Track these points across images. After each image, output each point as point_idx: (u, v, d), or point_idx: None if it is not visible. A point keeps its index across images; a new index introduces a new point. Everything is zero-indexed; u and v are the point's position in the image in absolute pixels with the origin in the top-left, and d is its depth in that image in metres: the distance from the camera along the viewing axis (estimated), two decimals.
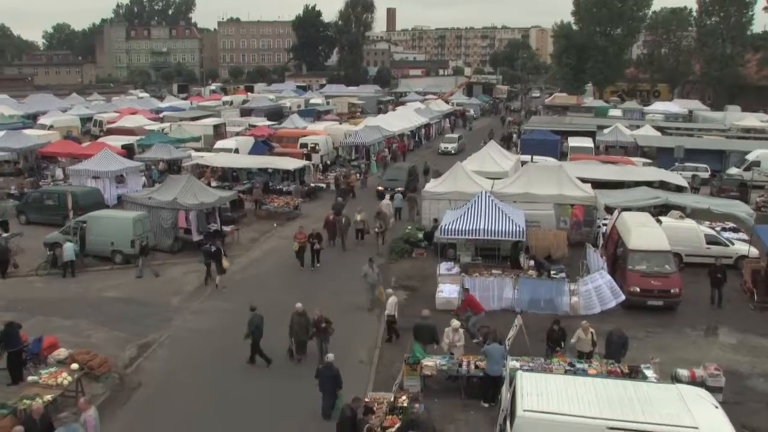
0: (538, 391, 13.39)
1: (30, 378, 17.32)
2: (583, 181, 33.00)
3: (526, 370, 15.55)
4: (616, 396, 13.28)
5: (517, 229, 25.98)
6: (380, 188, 41.02)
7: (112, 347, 20.72)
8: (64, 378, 17.13)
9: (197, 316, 23.68)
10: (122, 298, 24.92)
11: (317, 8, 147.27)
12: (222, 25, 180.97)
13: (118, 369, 19.51)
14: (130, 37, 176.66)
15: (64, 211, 31.01)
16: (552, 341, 19.21)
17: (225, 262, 26.76)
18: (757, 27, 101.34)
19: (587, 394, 13.34)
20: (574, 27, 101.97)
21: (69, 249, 27.03)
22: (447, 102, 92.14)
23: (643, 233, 25.55)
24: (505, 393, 15.45)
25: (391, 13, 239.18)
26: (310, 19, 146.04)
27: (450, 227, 26.47)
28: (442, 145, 60.45)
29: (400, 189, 39.66)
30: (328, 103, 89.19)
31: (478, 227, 26.20)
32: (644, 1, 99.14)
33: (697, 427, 12.39)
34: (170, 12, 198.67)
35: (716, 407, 13.42)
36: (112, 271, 28.10)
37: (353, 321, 23.02)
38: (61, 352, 18.97)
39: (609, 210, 31.29)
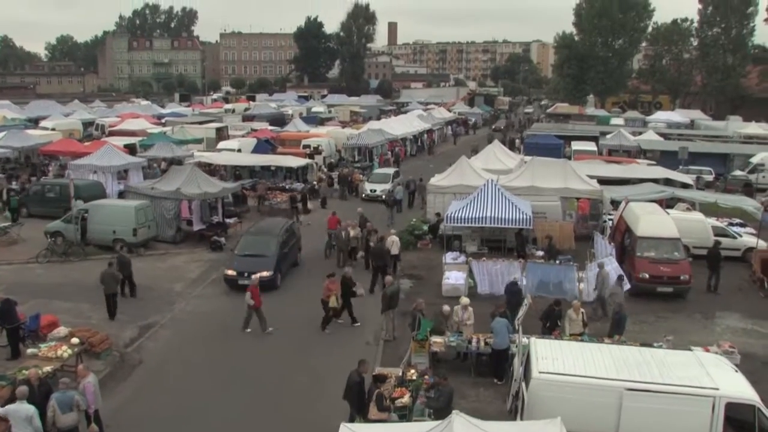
0: (553, 355, 13.08)
1: (29, 351, 16.97)
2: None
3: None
4: (633, 360, 12.96)
5: (524, 217, 25.73)
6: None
7: (113, 328, 20.33)
8: (64, 351, 16.80)
9: (200, 300, 23.41)
10: None
11: (319, 20, 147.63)
12: (224, 36, 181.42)
13: (119, 348, 19.16)
14: (132, 48, 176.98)
15: (66, 204, 30.65)
16: (551, 321, 18.87)
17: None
18: (758, 38, 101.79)
19: (603, 358, 13.02)
20: (576, 38, 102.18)
21: None
22: (449, 111, 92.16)
23: (652, 221, 25.27)
24: (517, 365, 15.08)
25: (392, 28, 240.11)
26: (312, 30, 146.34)
27: (456, 215, 26.20)
28: (368, 187, 41.71)
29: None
30: (330, 112, 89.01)
31: (484, 215, 25.95)
32: (646, 12, 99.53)
33: (717, 388, 12.06)
34: (172, 25, 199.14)
35: (735, 371, 13.09)
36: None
37: (356, 305, 22.66)
38: (61, 330, 18.55)
39: (614, 204, 31.15)
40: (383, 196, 37.93)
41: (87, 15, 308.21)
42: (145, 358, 18.91)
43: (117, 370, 17.96)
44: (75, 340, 17.45)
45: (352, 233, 28.07)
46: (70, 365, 16.73)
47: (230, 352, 19.33)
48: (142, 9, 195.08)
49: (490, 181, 27.70)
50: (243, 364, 18.50)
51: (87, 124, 65.80)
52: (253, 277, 21.57)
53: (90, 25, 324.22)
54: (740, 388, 12.38)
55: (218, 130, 58.43)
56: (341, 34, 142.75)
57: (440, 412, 12.17)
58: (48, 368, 15.93)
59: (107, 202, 29.81)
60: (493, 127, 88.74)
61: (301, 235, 28.72)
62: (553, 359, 12.85)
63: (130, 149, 44.95)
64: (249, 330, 20.68)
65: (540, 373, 12.42)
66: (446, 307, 19.08)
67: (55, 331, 18.53)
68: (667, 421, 11.87)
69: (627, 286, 21.49)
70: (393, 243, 26.35)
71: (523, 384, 12.92)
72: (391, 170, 44.66)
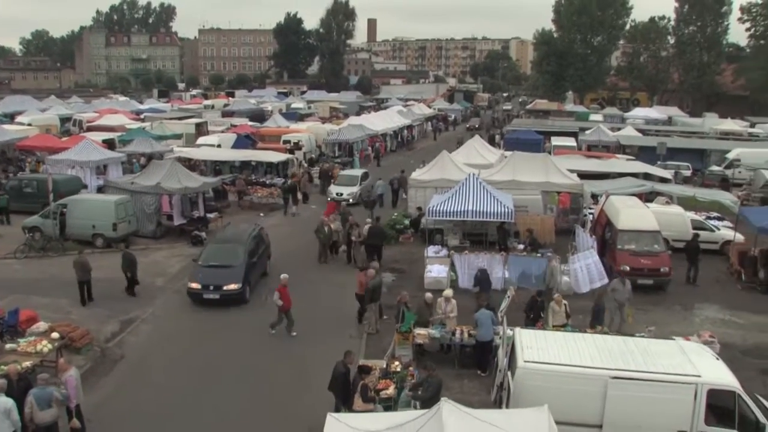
0: (538, 345, 13.14)
1: (8, 346, 16.70)
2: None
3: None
4: (616, 349, 13.07)
5: (506, 210, 25.80)
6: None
7: (94, 323, 20.09)
8: (44, 346, 16.56)
9: (181, 295, 23.09)
10: (104, 279, 24.09)
11: (299, 16, 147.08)
12: (203, 32, 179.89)
13: (100, 343, 18.96)
14: (110, 44, 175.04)
15: (44, 199, 30.25)
16: (534, 312, 18.96)
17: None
18: (732, 37, 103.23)
19: (587, 347, 13.11)
20: (555, 35, 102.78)
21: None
22: (429, 107, 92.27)
23: (632, 214, 25.50)
24: (501, 356, 15.13)
25: (371, 24, 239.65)
26: (291, 26, 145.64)
27: (438, 208, 26.23)
28: (334, 190, 38.70)
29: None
30: (309, 107, 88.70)
31: (466, 209, 26.00)
32: (624, 10, 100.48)
33: (699, 375, 12.20)
34: (150, 20, 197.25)
35: (717, 359, 13.25)
36: (93, 255, 27.25)
37: (338, 299, 22.68)
38: (41, 326, 18.26)
39: (595, 198, 31.39)
40: (350, 200, 36.09)
41: (63, 10, 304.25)
42: (126, 353, 18.74)
43: (98, 365, 17.78)
44: (55, 335, 17.23)
45: (333, 227, 27.97)
46: (50, 360, 16.48)
47: (212, 346, 19.20)
48: (119, 4, 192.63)
49: (472, 175, 27.76)
50: (225, 359, 18.39)
51: (64, 120, 64.80)
52: (283, 276, 20.35)
53: (66, 20, 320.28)
54: (721, 376, 12.54)
55: (197, 125, 57.95)
56: (321, 30, 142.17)
57: (427, 402, 12.18)
58: (27, 363, 15.68)
59: (86, 197, 29.59)
60: (468, 126, 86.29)
61: (270, 242, 26.48)
62: (538, 349, 12.92)
63: (109, 145, 44.38)
64: (273, 332, 19.87)
65: (525, 362, 12.47)
66: (429, 295, 19.21)
67: (35, 327, 18.24)
68: (650, 409, 11.99)
69: (628, 286, 20.48)
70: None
71: (509, 373, 12.95)
72: (359, 172, 41.75)
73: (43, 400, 13.25)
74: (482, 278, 21.53)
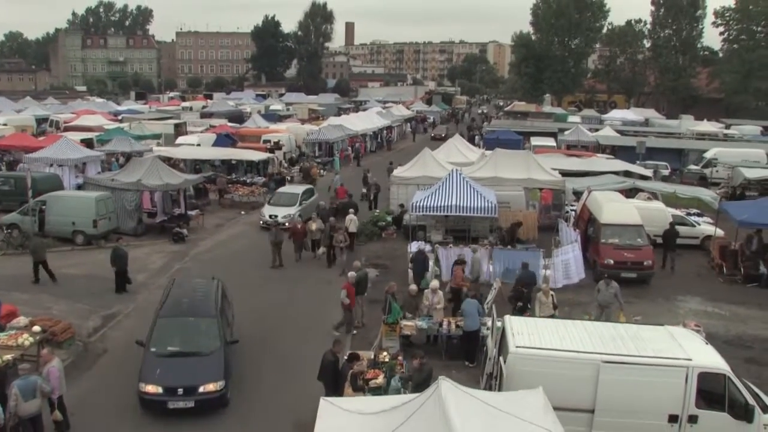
0: (529, 331, 13.10)
1: None
2: None
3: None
4: (607, 334, 13.09)
5: (490, 205, 25.79)
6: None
7: (75, 318, 19.76)
8: (25, 339, 16.16)
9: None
10: (84, 275, 23.96)
11: (276, 18, 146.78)
12: (180, 35, 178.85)
13: (82, 337, 18.66)
14: (86, 46, 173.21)
15: (21, 197, 29.77)
16: (521, 302, 18.96)
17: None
18: (706, 41, 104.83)
19: (578, 333, 13.10)
20: (533, 37, 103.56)
21: None
22: (408, 109, 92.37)
23: (615, 208, 25.68)
24: (490, 345, 15.10)
25: (349, 28, 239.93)
26: (269, 29, 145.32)
27: (421, 204, 26.16)
28: (267, 212, 31.60)
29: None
30: (288, 109, 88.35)
31: (450, 204, 25.95)
32: (601, 13, 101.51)
33: (690, 359, 12.25)
34: (127, 23, 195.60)
35: (706, 343, 13.32)
36: (73, 252, 27.05)
37: (324, 293, 22.55)
38: (21, 320, 17.91)
39: (576, 195, 31.55)
40: (287, 224, 28.72)
41: (37, 13, 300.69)
42: (109, 347, 18.44)
43: (81, 359, 17.48)
44: (37, 329, 16.85)
45: (314, 227, 27.15)
46: (31, 355, 16.18)
47: None
48: (96, 7, 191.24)
49: (455, 171, 27.74)
50: None
51: (40, 121, 64.02)
52: (350, 274, 19.31)
53: (39, 23, 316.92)
54: (712, 359, 12.60)
55: (176, 126, 57.58)
56: (299, 33, 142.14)
57: (419, 388, 12.09)
58: (8, 356, 15.34)
59: (66, 193, 29.13)
60: (433, 135, 74.75)
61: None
62: (529, 334, 12.88)
63: (87, 144, 43.78)
64: (338, 334, 18.42)
65: (517, 347, 12.41)
66: (413, 287, 19.24)
67: (15, 321, 17.90)
68: (642, 392, 11.99)
69: (614, 288, 19.56)
70: (351, 221, 27.25)
71: (501, 359, 12.89)
72: (299, 188, 34.59)
73: (27, 390, 12.96)
74: (526, 275, 20.48)
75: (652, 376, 12.05)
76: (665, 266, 25.68)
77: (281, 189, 34.60)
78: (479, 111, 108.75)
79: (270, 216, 30.52)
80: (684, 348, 12.62)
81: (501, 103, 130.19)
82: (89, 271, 24.35)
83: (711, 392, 12.33)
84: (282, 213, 30.70)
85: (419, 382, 12.91)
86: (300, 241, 26.87)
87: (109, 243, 27.74)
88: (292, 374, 16.72)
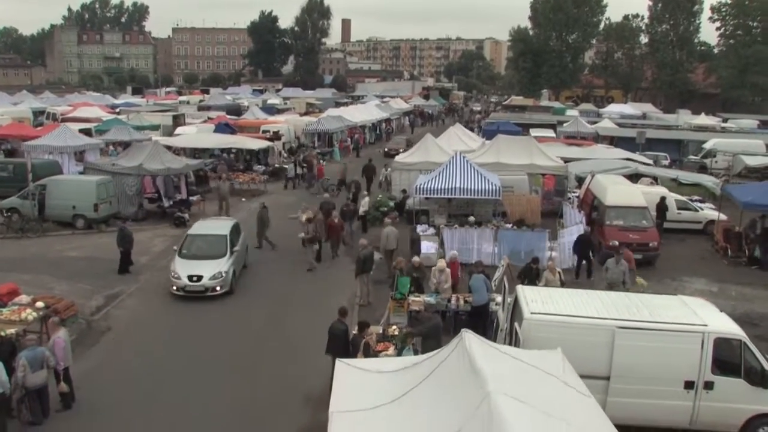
0: (543, 299, 12.97)
1: None
2: None
3: None
4: (621, 303, 12.97)
5: (493, 187, 25.62)
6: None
7: (78, 298, 19.37)
8: (29, 314, 15.94)
9: (166, 272, 22.61)
10: (85, 257, 23.78)
11: (274, 14, 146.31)
12: (176, 31, 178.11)
13: (85, 316, 18.44)
14: (82, 42, 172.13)
15: (20, 183, 29.53)
16: (529, 279, 18.85)
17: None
18: (703, 36, 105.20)
19: (592, 301, 12.98)
20: (531, 32, 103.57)
21: None
22: (406, 103, 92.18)
23: (619, 191, 25.64)
24: (501, 318, 14.97)
25: (346, 25, 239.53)
26: (266, 24, 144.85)
27: (425, 186, 25.99)
28: (182, 271, 20.49)
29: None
30: (285, 103, 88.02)
31: (453, 186, 25.76)
32: (599, 8, 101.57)
33: (706, 324, 12.13)
34: (123, 20, 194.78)
35: (720, 311, 13.21)
36: (74, 236, 26.81)
37: (330, 272, 22.40)
38: (23, 298, 17.68)
39: (579, 181, 31.46)
40: (218, 288, 20.30)
41: (32, 9, 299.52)
42: (113, 325, 18.26)
43: (84, 336, 17.28)
44: (40, 304, 16.67)
45: (303, 217, 24.35)
46: (34, 331, 15.95)
47: (201, 319, 18.80)
48: (91, 3, 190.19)
49: (458, 154, 27.59)
50: (214, 332, 17.91)
51: (37, 113, 63.58)
52: (452, 253, 20.29)
53: (34, 20, 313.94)
54: (727, 325, 12.51)
55: (175, 117, 57.25)
56: (296, 28, 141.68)
57: (428, 343, 11.99)
58: (11, 331, 15.13)
59: (67, 178, 28.98)
60: (386, 149, 52.17)
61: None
62: (543, 302, 12.75)
63: (86, 134, 43.56)
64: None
65: (532, 313, 12.27)
66: (416, 259, 19.47)
67: (17, 299, 17.69)
68: (658, 358, 11.87)
69: (623, 266, 19.39)
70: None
71: (516, 324, 12.73)
72: (224, 226, 22.81)
73: (35, 361, 12.82)
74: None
75: (668, 342, 11.93)
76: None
77: (196, 228, 22.95)
78: (472, 109, 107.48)
79: (190, 279, 20.18)
80: (699, 315, 12.51)
81: (495, 99, 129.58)
82: (90, 254, 24.17)
83: (727, 358, 12.21)
84: (208, 272, 20.31)
85: (427, 333, 12.79)
86: (337, 236, 24.92)
87: (110, 228, 27.72)
88: (298, 351, 16.58)
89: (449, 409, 7.48)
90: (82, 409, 13.77)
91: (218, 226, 22.96)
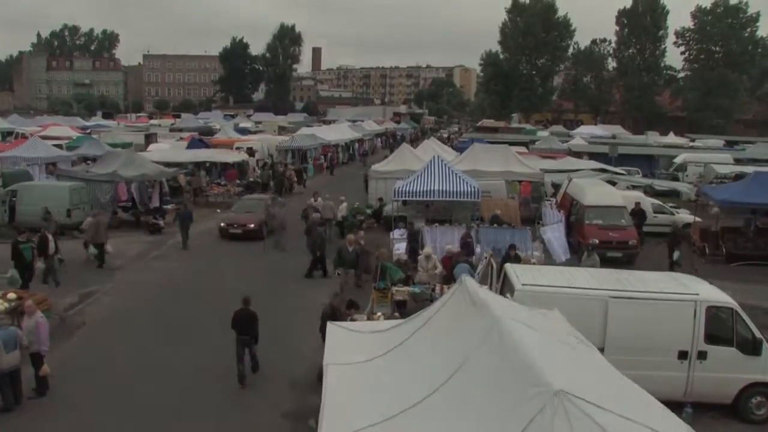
0: (532, 274, 12.85)
1: None
2: None
3: None
4: (612, 277, 12.91)
5: (473, 189, 25.61)
6: None
7: (51, 296, 18.92)
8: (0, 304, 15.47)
9: (142, 272, 22.32)
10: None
11: (245, 41, 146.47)
12: (147, 58, 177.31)
13: (59, 311, 17.87)
14: (52, 68, 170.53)
15: None
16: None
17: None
18: (669, 60, 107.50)
19: (583, 276, 12.88)
20: (501, 56, 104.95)
21: None
22: (379, 125, 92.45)
23: (598, 191, 25.85)
24: None
25: (317, 53, 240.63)
26: (237, 51, 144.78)
27: (404, 189, 25.90)
28: None
29: None
30: (257, 126, 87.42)
31: (432, 188, 25.73)
32: (567, 32, 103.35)
33: (698, 293, 12.09)
34: (93, 47, 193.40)
35: (711, 284, 13.19)
36: None
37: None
38: None
39: (555, 188, 31.61)
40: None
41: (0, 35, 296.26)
42: (88, 321, 17.74)
43: (58, 330, 16.59)
44: (11, 296, 16.14)
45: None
46: (5, 323, 15.39)
47: (178, 314, 18.33)
48: (60, 30, 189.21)
49: (437, 157, 27.61)
50: (193, 324, 17.45)
51: (5, 134, 62.65)
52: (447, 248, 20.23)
53: (2, 45, 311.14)
54: (718, 294, 12.48)
55: (147, 136, 56.72)
56: (267, 55, 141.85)
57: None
58: None
59: (39, 183, 28.43)
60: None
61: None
62: (533, 276, 12.64)
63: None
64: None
65: (523, 285, 12.13)
66: (402, 255, 19.09)
67: None
68: (651, 327, 11.80)
69: (594, 260, 19.73)
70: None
71: (509, 296, 12.56)
72: None
73: (8, 341, 12.35)
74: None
75: (661, 312, 11.87)
76: None
77: None
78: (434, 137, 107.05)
79: None
80: (690, 286, 12.49)
81: (457, 128, 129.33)
82: (63, 257, 23.50)
83: (719, 327, 12.19)
84: None
85: None
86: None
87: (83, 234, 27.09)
88: (284, 340, 16.22)
89: (454, 344, 7.25)
90: (55, 398, 13.25)
91: None
